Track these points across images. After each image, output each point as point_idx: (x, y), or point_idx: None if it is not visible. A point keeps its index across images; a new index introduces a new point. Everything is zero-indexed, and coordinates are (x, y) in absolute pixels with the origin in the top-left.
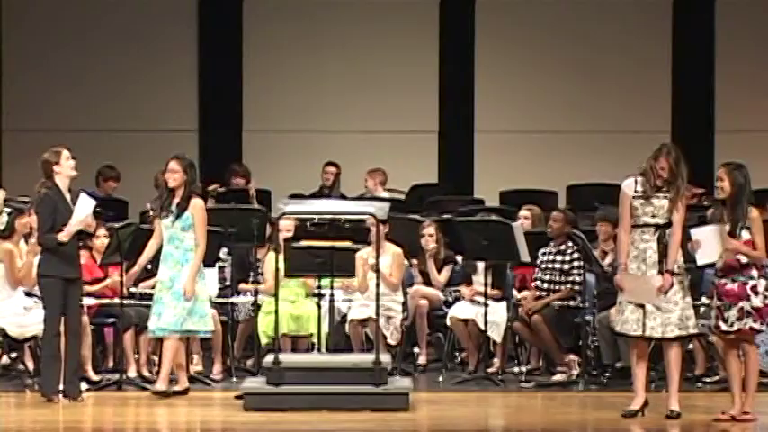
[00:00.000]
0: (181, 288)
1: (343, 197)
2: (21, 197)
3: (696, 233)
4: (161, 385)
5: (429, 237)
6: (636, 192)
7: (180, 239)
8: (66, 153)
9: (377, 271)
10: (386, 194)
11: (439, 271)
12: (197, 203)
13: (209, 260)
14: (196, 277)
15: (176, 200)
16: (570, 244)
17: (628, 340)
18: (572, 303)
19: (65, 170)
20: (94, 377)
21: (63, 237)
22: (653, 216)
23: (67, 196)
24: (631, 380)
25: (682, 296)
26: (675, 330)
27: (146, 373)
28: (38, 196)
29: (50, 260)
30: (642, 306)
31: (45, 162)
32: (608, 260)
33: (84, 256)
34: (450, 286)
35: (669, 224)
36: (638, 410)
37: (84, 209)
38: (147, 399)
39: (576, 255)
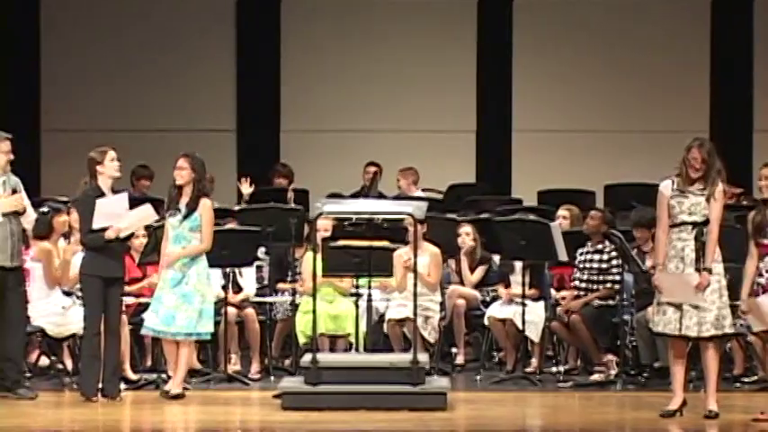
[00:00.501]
0: (191, 289)
1: (382, 196)
2: (59, 196)
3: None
4: (176, 389)
5: (466, 235)
6: (673, 190)
7: (187, 240)
8: (111, 154)
9: (414, 270)
10: (420, 194)
11: (473, 271)
12: (206, 203)
13: (248, 259)
14: (186, 259)
15: (184, 198)
16: (607, 243)
17: (666, 340)
18: (611, 303)
19: (108, 170)
20: (133, 376)
21: (110, 233)
22: (690, 214)
23: (109, 196)
24: (670, 380)
25: (719, 295)
26: (711, 330)
27: None
28: (79, 196)
29: (94, 259)
30: (680, 307)
31: (90, 160)
32: (649, 263)
33: None
34: (486, 286)
35: (707, 222)
36: (676, 410)
37: (142, 217)
38: (185, 398)
39: (613, 254)
